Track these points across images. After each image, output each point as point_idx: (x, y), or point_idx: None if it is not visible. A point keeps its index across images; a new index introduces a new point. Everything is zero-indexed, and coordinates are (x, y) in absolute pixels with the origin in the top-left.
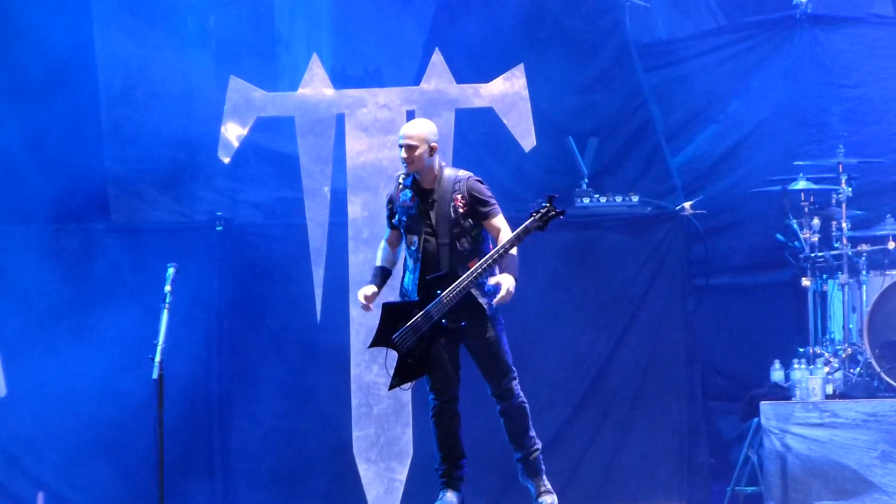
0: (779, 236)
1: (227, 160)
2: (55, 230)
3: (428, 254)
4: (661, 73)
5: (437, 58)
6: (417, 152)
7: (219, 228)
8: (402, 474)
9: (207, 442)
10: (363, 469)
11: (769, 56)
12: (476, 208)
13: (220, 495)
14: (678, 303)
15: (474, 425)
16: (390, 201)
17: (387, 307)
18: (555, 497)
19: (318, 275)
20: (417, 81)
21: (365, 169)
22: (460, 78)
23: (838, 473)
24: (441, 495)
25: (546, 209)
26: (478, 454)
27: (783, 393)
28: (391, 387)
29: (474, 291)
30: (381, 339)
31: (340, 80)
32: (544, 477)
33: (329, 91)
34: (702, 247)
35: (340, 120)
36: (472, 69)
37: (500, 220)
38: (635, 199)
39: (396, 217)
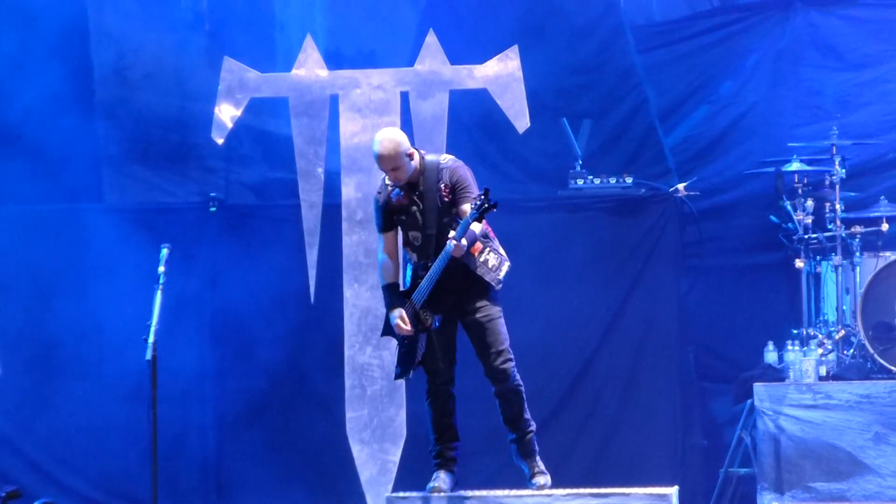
0: (772, 218)
1: (220, 141)
2: (48, 211)
3: (424, 247)
4: (655, 54)
5: (431, 39)
6: (402, 167)
7: (212, 209)
8: (396, 455)
9: (200, 422)
10: (356, 450)
11: (763, 37)
12: (459, 194)
13: (212, 475)
14: (671, 284)
15: (467, 407)
16: (382, 208)
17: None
18: (548, 478)
19: (312, 256)
20: (411, 63)
21: (359, 150)
22: (454, 59)
23: (832, 455)
24: (434, 476)
25: (480, 201)
26: (471, 435)
27: (777, 374)
28: (397, 377)
29: (480, 270)
30: (389, 328)
31: (334, 61)
32: (538, 458)
33: (323, 72)
34: (695, 228)
35: (334, 101)
36: (466, 50)
37: (466, 208)
38: (629, 180)
39: (395, 218)
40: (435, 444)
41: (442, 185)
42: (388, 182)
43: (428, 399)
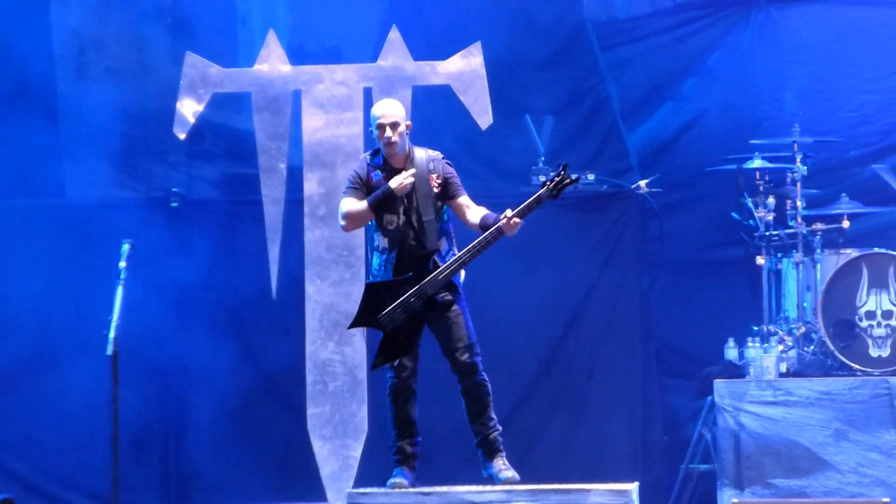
0: (734, 214)
1: (182, 136)
2: (9, 206)
3: (408, 232)
4: (617, 51)
5: (394, 35)
6: (400, 129)
7: (174, 205)
8: (357, 451)
9: (162, 417)
10: (318, 446)
11: (725, 34)
12: (447, 188)
13: (174, 470)
14: (633, 280)
15: (428, 404)
16: (359, 179)
17: (371, 287)
18: (516, 473)
19: (274, 251)
20: (375, 58)
21: (321, 146)
22: (417, 55)
23: (792, 451)
24: (395, 472)
25: (560, 177)
26: (432, 432)
27: (737, 371)
28: (375, 366)
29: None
30: (364, 319)
31: (297, 56)
32: (504, 456)
33: (286, 67)
34: (657, 225)
35: (297, 96)
36: (429, 46)
37: (468, 198)
38: (591, 177)
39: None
40: (395, 441)
41: (434, 176)
42: (368, 161)
43: (390, 394)
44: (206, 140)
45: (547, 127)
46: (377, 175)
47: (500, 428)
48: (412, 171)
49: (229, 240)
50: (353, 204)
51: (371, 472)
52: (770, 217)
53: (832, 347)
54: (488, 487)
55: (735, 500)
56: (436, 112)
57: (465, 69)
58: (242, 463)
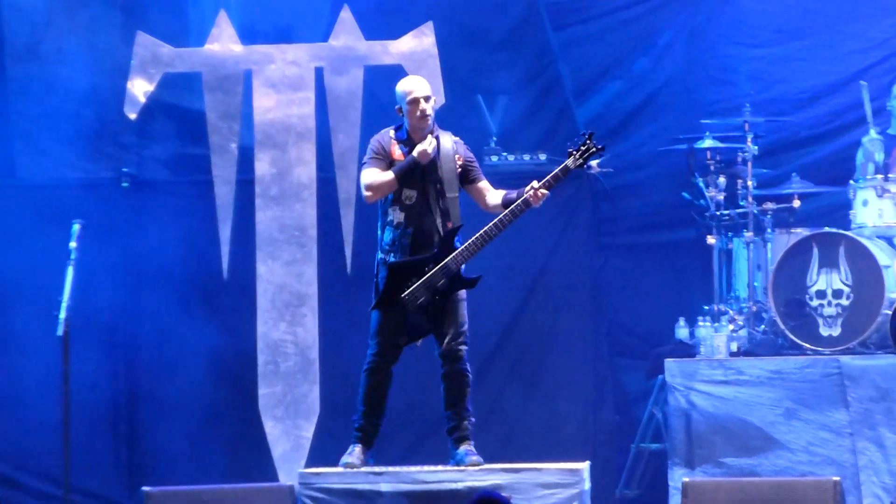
0: (685, 194)
1: (133, 116)
2: None
3: (426, 208)
4: (569, 31)
5: (345, 14)
6: (432, 104)
7: (125, 185)
8: (309, 431)
9: (114, 398)
10: (269, 426)
11: (677, 14)
12: (468, 171)
13: (126, 449)
14: (585, 260)
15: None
16: (382, 150)
17: (395, 267)
18: (481, 459)
19: (225, 232)
20: (326, 38)
21: (273, 125)
22: (369, 35)
23: (742, 431)
24: (350, 450)
25: (585, 146)
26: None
27: (688, 350)
28: (401, 346)
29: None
30: (387, 299)
31: (249, 36)
32: (472, 444)
33: (237, 47)
34: (609, 205)
35: (248, 76)
36: (381, 26)
37: (488, 183)
38: (543, 157)
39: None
40: (361, 417)
41: (457, 157)
42: (392, 136)
43: (367, 371)
44: (158, 120)
45: (499, 107)
46: (402, 149)
47: (474, 419)
48: (431, 139)
49: (180, 220)
50: (378, 175)
51: (323, 453)
52: (721, 197)
53: (783, 327)
54: (440, 467)
55: (686, 479)
56: (388, 92)
57: (416, 49)
58: (195, 443)
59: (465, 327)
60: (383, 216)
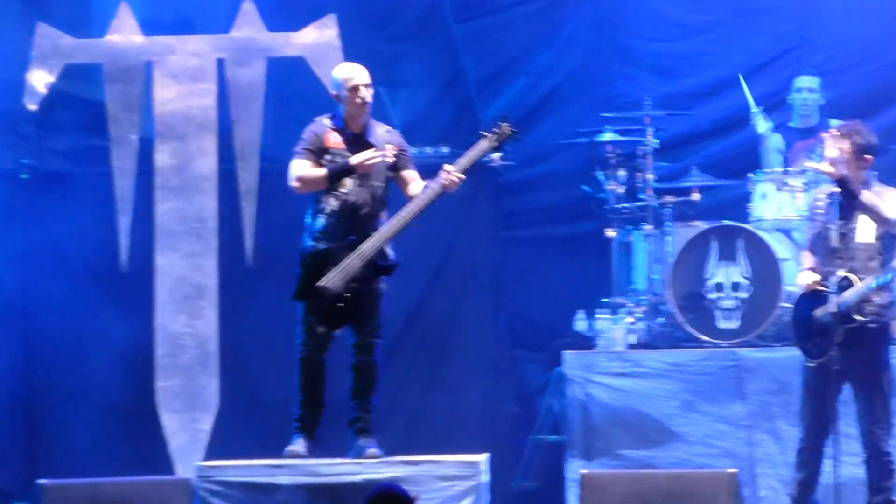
0: (585, 188)
1: (33, 107)
2: None
3: (358, 198)
4: (472, 24)
5: (247, 6)
6: (371, 91)
7: (24, 176)
8: (207, 425)
9: (11, 390)
10: (167, 419)
11: (580, 7)
12: (399, 159)
13: (23, 443)
14: (486, 253)
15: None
16: (316, 138)
17: (310, 255)
18: (381, 451)
19: (124, 223)
20: (228, 29)
21: (174, 117)
22: (272, 26)
23: (640, 423)
24: (294, 440)
25: (500, 130)
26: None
27: (587, 342)
28: (320, 336)
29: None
30: (306, 288)
31: (150, 27)
32: (373, 437)
33: (138, 38)
34: (509, 198)
35: (149, 67)
36: (283, 17)
37: (415, 172)
38: (445, 150)
39: (326, 158)
40: (300, 408)
41: (389, 146)
42: (326, 123)
43: (301, 363)
44: (57, 111)
45: (402, 99)
46: (335, 137)
47: (377, 413)
48: (374, 152)
49: (80, 211)
50: (309, 169)
51: (221, 446)
52: (621, 190)
53: (681, 319)
54: (339, 460)
55: (583, 472)
56: (290, 84)
57: (319, 41)
58: (93, 436)
59: (381, 319)
60: (315, 203)
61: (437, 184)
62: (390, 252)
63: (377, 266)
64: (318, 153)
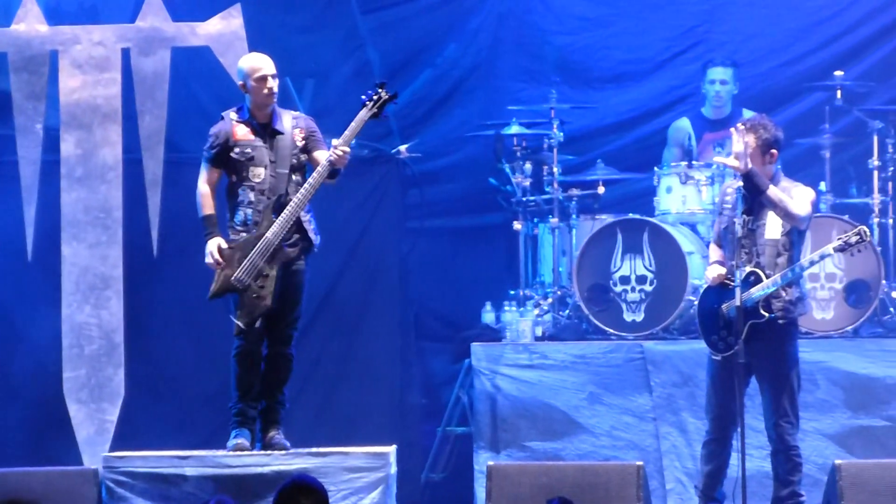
0: (492, 180)
1: None
2: None
3: (271, 185)
4: (378, 15)
5: None
6: (277, 82)
7: None
8: (114, 415)
9: None
10: (73, 410)
11: (485, 1)
12: (308, 142)
13: None
14: (393, 245)
15: (188, 367)
16: (219, 138)
17: (222, 252)
18: (288, 444)
19: (30, 213)
20: (133, 19)
21: (79, 106)
22: (176, 16)
23: (547, 415)
24: (235, 434)
25: (378, 96)
26: (190, 395)
27: (494, 334)
28: (239, 332)
29: (303, 219)
30: (224, 286)
31: (55, 16)
32: (281, 430)
33: (43, 27)
34: (417, 190)
35: (54, 56)
36: (188, 7)
37: (321, 156)
38: (353, 141)
39: (236, 151)
40: (237, 402)
41: (297, 130)
42: (232, 117)
43: (236, 357)
44: None
45: (308, 90)
46: (242, 130)
47: (288, 405)
48: (217, 258)
49: None
50: (204, 188)
51: (128, 436)
52: (527, 183)
53: (587, 312)
54: (245, 452)
55: (490, 463)
56: (195, 74)
57: (224, 31)
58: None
59: (300, 312)
60: (232, 198)
61: (326, 161)
62: (313, 234)
63: (285, 254)
64: (225, 151)
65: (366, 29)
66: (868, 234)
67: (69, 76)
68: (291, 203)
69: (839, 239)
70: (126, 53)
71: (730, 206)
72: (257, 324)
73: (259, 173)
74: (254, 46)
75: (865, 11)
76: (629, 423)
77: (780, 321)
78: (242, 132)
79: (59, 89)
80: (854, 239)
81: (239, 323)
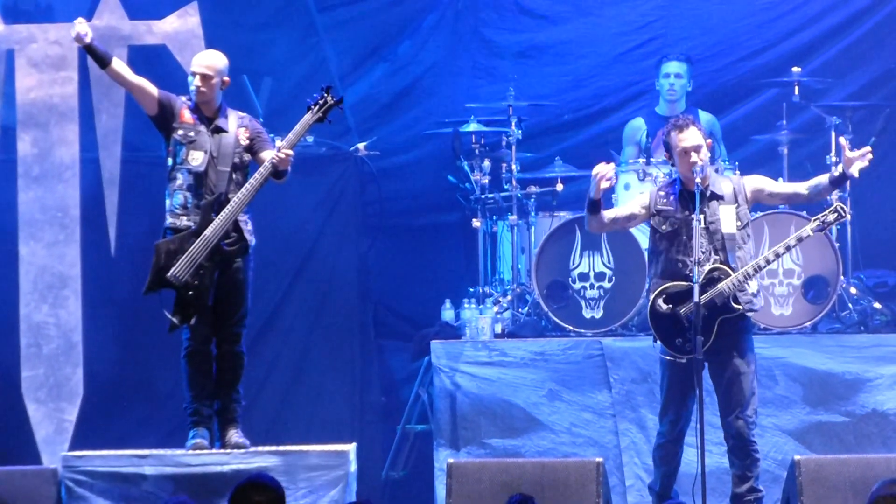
0: (450, 178)
1: None
2: None
3: (206, 178)
4: (335, 12)
5: None
6: (212, 82)
7: None
8: (73, 414)
9: None
10: (32, 409)
11: None
12: (253, 142)
13: None
14: (352, 243)
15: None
16: (170, 100)
17: (159, 247)
18: (247, 441)
19: None
20: (89, 17)
21: (35, 105)
22: (133, 14)
23: (507, 412)
24: (193, 434)
25: (323, 100)
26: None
27: (454, 332)
28: (172, 328)
29: (240, 219)
30: (157, 281)
31: (10, 15)
32: (239, 428)
33: None
34: (375, 187)
35: (10, 55)
36: (145, 5)
37: (266, 156)
38: (310, 139)
39: (179, 133)
40: (192, 402)
41: (242, 130)
42: (184, 100)
43: (185, 357)
44: None
45: (265, 88)
46: (190, 115)
47: (244, 403)
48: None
49: None
50: (134, 76)
51: (87, 435)
52: (486, 180)
53: (546, 309)
54: (205, 451)
55: (450, 460)
56: (153, 72)
57: (181, 29)
58: None
59: (247, 309)
60: (171, 182)
61: (269, 163)
62: (249, 235)
63: (224, 251)
64: (169, 114)
65: (322, 26)
66: (846, 209)
67: (26, 75)
68: (231, 202)
69: (815, 220)
70: (83, 52)
71: (671, 207)
72: (192, 321)
73: (198, 157)
74: (211, 44)
75: (822, 7)
76: (589, 419)
77: (748, 314)
78: (188, 116)
79: (16, 88)
80: (832, 217)
81: (173, 319)
